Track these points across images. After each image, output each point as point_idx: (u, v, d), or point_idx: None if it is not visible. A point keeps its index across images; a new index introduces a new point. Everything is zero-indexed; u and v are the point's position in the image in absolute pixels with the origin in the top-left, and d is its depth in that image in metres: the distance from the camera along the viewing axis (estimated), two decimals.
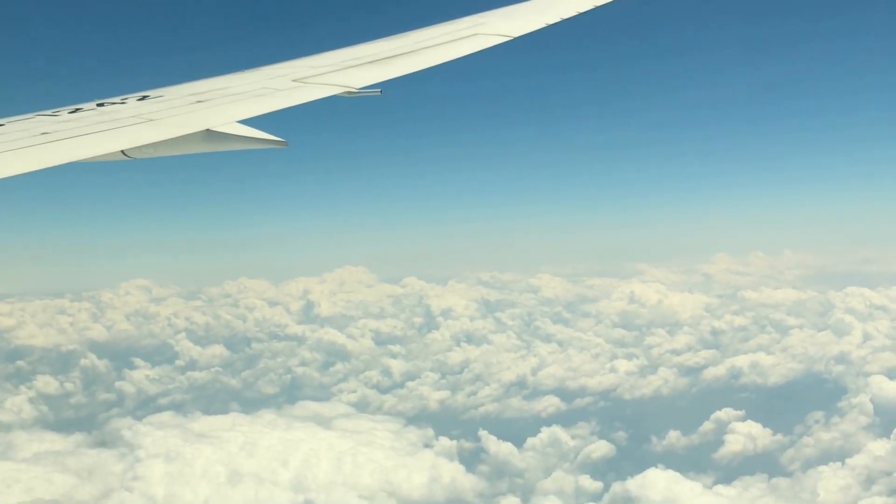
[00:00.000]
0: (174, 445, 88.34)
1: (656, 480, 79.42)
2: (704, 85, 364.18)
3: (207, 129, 9.47)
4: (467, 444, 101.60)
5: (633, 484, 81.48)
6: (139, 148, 9.05)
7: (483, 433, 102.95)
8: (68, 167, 8.31)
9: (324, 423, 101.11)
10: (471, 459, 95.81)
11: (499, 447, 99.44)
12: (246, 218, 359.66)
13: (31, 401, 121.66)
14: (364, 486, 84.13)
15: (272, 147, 9.73)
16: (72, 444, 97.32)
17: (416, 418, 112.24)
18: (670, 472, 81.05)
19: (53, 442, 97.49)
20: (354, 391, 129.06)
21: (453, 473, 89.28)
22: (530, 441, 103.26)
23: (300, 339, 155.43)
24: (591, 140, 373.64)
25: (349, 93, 10.77)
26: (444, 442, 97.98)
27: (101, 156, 8.74)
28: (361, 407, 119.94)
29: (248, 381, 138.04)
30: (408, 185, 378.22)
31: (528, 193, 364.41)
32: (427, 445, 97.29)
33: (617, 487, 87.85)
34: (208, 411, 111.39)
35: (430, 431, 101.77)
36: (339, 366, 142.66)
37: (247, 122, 9.84)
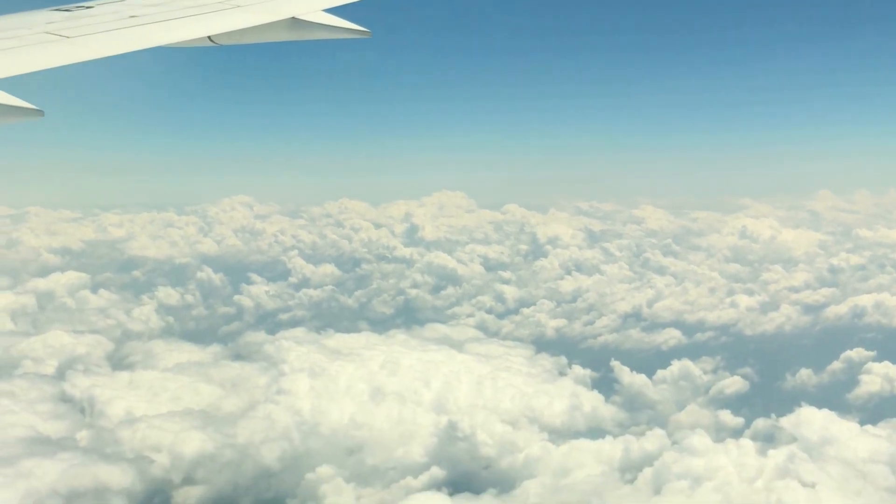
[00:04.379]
0: (317, 361, 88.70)
1: (811, 419, 77.60)
2: (809, 19, 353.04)
3: (293, 17, 9.49)
4: (596, 374, 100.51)
5: (787, 422, 79.71)
6: (226, 34, 9.07)
7: (616, 363, 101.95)
8: (154, 54, 8.41)
9: (456, 345, 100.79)
10: (605, 389, 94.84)
11: (632, 378, 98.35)
12: (336, 133, 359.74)
13: (156, 311, 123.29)
14: (505, 411, 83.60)
15: (356, 37, 9.72)
16: (210, 356, 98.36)
17: (545, 345, 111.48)
18: (825, 412, 79.08)
19: (192, 353, 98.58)
20: (472, 315, 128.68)
21: (593, 402, 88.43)
22: (661, 373, 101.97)
23: (409, 262, 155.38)
24: (688, 70, 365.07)
25: None
26: (578, 370, 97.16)
27: (188, 41, 8.77)
28: (481, 331, 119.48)
29: (362, 300, 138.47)
30: (499, 104, 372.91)
31: (625, 122, 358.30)
32: (562, 373, 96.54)
33: (760, 424, 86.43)
34: (336, 329, 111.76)
35: (564, 359, 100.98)
36: (450, 289, 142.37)
37: (333, 11, 9.88)
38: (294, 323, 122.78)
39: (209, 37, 9.01)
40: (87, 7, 9.56)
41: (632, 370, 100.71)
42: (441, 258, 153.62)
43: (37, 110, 7.11)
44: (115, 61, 7.97)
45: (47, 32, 8.31)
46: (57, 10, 9.47)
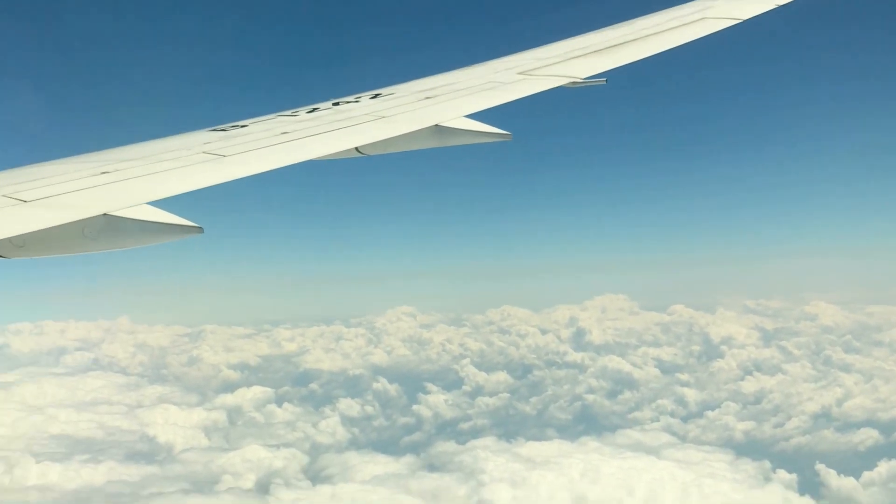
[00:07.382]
0: (516, 470, 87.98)
1: None
2: None
3: (437, 125, 9.71)
4: (800, 478, 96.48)
5: None
6: (372, 144, 9.37)
7: (821, 466, 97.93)
8: (307, 168, 8.78)
9: (652, 452, 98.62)
10: (813, 493, 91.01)
11: (840, 481, 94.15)
12: (491, 239, 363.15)
13: (341, 423, 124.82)
14: None
15: (498, 140, 9.87)
16: (405, 467, 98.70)
17: (736, 448, 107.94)
18: None
19: (386, 464, 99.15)
20: (656, 420, 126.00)
21: None
22: (867, 475, 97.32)
23: (581, 367, 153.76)
24: (839, 161, 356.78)
25: (574, 83, 10.80)
26: (783, 475, 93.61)
27: (336, 153, 9.10)
28: (670, 435, 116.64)
29: (538, 407, 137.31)
30: (655, 205, 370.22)
31: (785, 218, 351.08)
32: (766, 478, 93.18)
33: None
34: (523, 437, 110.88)
35: (767, 464, 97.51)
36: (627, 394, 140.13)
37: (474, 116, 10.02)
38: (475, 432, 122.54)
39: (357, 148, 9.36)
40: (242, 126, 10.13)
41: (837, 473, 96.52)
42: (615, 362, 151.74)
43: (197, 227, 7.22)
44: (270, 177, 8.39)
45: (204, 152, 8.81)
46: (213, 130, 10.06)
